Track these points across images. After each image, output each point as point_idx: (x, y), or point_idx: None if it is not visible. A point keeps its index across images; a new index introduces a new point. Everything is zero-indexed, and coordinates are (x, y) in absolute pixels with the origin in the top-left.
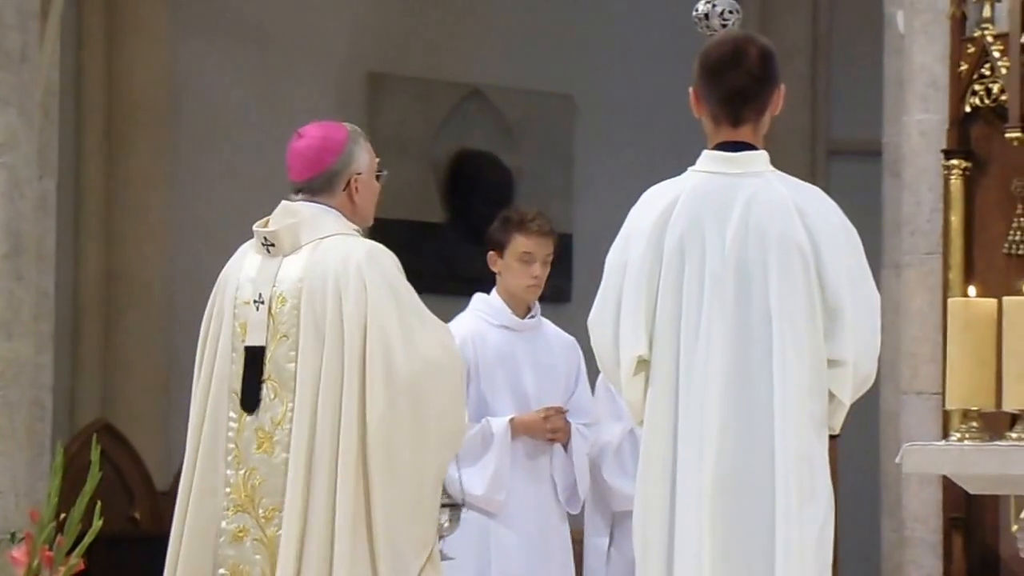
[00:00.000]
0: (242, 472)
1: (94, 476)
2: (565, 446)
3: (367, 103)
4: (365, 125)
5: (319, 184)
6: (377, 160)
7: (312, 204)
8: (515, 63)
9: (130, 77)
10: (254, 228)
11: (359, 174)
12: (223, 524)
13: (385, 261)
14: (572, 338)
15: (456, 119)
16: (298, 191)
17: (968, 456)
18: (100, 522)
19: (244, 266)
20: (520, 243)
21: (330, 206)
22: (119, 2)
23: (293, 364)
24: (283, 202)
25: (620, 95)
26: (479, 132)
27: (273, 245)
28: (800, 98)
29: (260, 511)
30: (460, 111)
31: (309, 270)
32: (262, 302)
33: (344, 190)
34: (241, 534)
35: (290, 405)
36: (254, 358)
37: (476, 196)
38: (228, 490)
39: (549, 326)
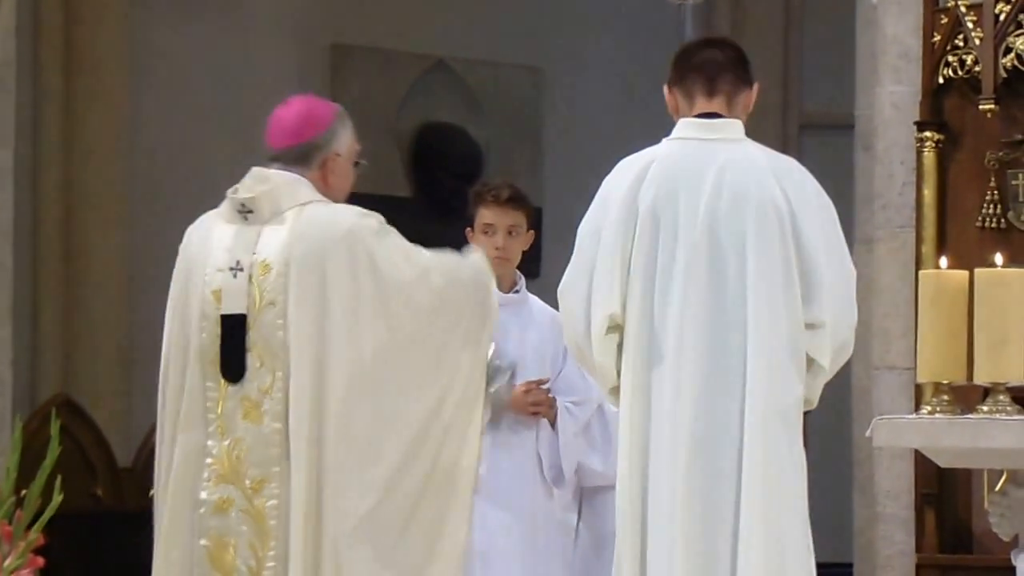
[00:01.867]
0: (226, 443)
1: (53, 451)
2: (553, 423)
3: (330, 74)
4: (328, 97)
5: (296, 154)
6: (358, 148)
7: (285, 172)
8: (481, 34)
9: (89, 47)
10: (228, 195)
11: (338, 155)
12: (203, 495)
13: (368, 238)
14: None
15: (421, 91)
16: (273, 159)
17: (938, 429)
18: (60, 497)
19: (213, 235)
20: (482, 215)
21: (305, 178)
22: None
23: (282, 332)
24: (254, 168)
25: (589, 67)
26: (445, 105)
27: (251, 212)
28: (772, 71)
29: (247, 482)
30: (425, 83)
31: (297, 236)
32: (240, 269)
33: (320, 167)
34: (225, 505)
35: (279, 374)
36: (233, 327)
37: (442, 169)
38: (209, 460)
39: (536, 302)
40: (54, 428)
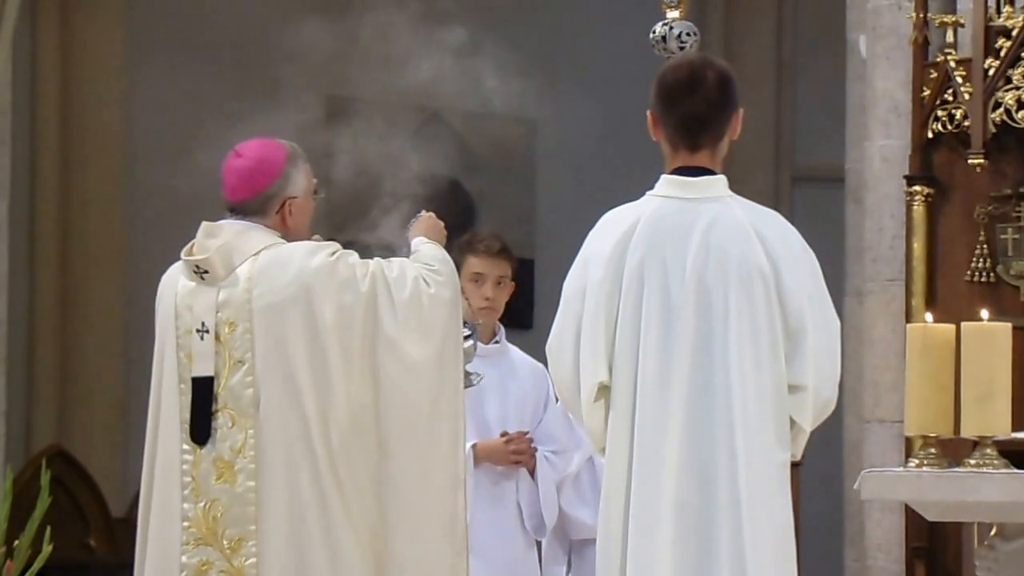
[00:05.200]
0: (201, 504)
1: (43, 501)
2: (532, 472)
3: (326, 127)
4: (325, 148)
5: (253, 207)
6: (315, 181)
7: (236, 222)
8: (476, 87)
9: (85, 99)
10: (183, 256)
11: (294, 198)
12: (184, 559)
13: (319, 288)
14: (540, 365)
15: (416, 143)
16: (231, 210)
17: (925, 482)
18: (49, 547)
19: (179, 292)
20: (470, 264)
21: (261, 224)
22: (74, 22)
23: (251, 390)
24: (204, 223)
25: (582, 119)
26: (440, 157)
27: (207, 272)
28: (764, 124)
29: (225, 542)
30: (420, 135)
31: (254, 291)
32: (206, 331)
33: (278, 212)
34: (205, 567)
35: (251, 432)
36: (202, 389)
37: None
38: (186, 524)
39: (516, 352)
40: (44, 479)
